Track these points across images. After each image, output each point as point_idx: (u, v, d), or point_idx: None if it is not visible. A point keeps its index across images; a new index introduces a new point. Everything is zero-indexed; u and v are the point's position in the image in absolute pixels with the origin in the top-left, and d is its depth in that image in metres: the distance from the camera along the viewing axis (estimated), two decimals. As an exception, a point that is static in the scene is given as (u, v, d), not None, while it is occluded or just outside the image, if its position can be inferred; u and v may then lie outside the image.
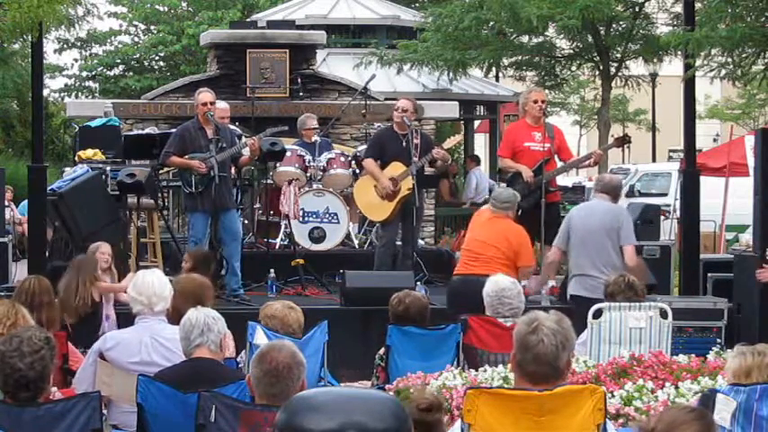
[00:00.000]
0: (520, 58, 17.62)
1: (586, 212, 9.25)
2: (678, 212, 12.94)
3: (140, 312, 6.17)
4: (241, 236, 10.80)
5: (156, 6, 31.50)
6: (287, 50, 14.54)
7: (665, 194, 20.29)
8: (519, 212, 10.49)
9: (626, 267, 8.58)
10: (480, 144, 29.15)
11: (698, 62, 11.45)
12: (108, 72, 32.30)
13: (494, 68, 20.09)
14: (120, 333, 6.41)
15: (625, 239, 8.87)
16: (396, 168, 10.78)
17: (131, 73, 31.53)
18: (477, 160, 19.01)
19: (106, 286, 8.77)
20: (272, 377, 4.32)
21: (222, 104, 11.86)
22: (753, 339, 8.32)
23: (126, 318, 7.71)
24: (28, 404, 4.91)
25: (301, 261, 11.29)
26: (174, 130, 11.03)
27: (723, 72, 11.94)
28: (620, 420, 5.35)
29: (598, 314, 7.22)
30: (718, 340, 9.28)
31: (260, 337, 6.52)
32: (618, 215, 9.00)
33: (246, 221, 12.41)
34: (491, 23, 16.12)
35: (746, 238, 12.63)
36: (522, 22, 14.67)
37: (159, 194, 11.79)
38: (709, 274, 11.03)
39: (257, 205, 12.65)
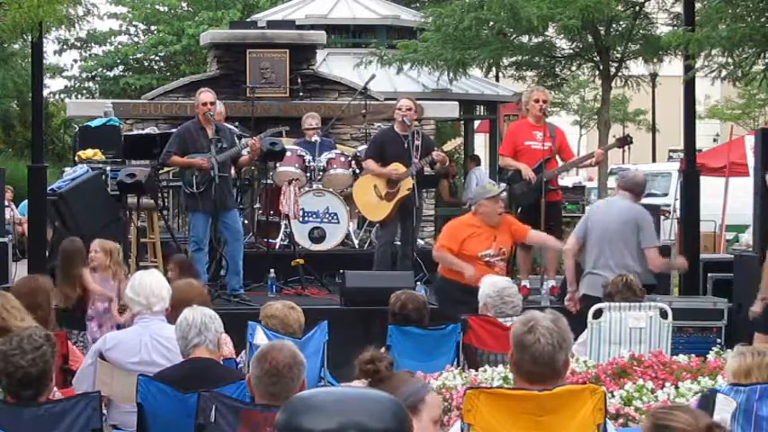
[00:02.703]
0: (520, 58, 17.60)
1: (606, 209, 8.95)
2: (678, 212, 12.94)
3: (139, 313, 6.18)
4: (242, 235, 10.81)
5: (156, 6, 31.49)
6: (287, 50, 14.54)
7: (666, 194, 20.29)
8: (519, 211, 10.52)
9: (646, 269, 8.48)
10: (480, 144, 29.13)
11: (698, 63, 11.45)
12: (108, 72, 32.30)
13: (494, 68, 20.07)
14: (119, 333, 6.42)
15: (647, 241, 8.56)
16: (397, 168, 10.78)
17: (131, 73, 31.52)
18: (476, 160, 19.01)
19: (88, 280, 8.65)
20: (272, 376, 4.32)
21: (217, 107, 11.66)
22: (753, 339, 8.32)
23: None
24: (28, 404, 4.91)
25: (301, 261, 11.30)
26: (174, 130, 11.04)
27: (723, 72, 11.93)
28: (620, 420, 5.35)
29: (598, 314, 7.22)
30: (719, 340, 9.27)
31: (260, 337, 6.52)
32: (637, 216, 8.64)
33: (246, 221, 12.41)
34: (491, 23, 16.10)
35: (746, 238, 12.64)
36: (522, 22, 14.65)
37: (159, 194, 11.79)
38: (709, 274, 11.03)
39: (257, 205, 12.66)
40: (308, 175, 12.19)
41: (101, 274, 8.74)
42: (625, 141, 11.02)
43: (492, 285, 7.32)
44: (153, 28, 32.27)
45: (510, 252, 9.47)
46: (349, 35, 20.34)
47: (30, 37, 10.58)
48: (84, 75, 32.88)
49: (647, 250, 8.55)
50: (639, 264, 8.56)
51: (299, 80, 14.48)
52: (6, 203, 15.16)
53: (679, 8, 15.24)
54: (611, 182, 20.64)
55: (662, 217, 13.87)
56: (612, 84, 16.82)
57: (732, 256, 11.30)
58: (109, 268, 8.76)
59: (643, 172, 23.92)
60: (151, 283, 6.18)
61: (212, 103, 10.39)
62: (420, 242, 12.72)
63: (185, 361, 5.49)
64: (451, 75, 17.29)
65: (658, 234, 12.30)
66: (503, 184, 10.37)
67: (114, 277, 8.72)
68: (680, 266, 9.66)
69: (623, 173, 9.90)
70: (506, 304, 7.20)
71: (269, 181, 12.34)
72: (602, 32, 15.92)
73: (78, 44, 32.51)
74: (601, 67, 16.30)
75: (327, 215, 12.08)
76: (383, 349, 7.42)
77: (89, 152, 11.67)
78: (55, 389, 5.80)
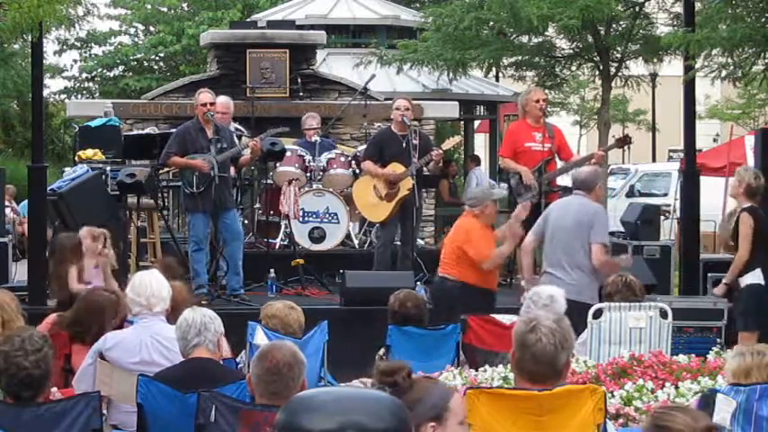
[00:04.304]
0: (520, 58, 17.58)
1: (561, 209, 8.84)
2: (678, 212, 12.93)
3: (140, 313, 6.16)
4: (242, 235, 10.81)
5: (157, 7, 31.49)
6: (287, 50, 14.54)
7: (666, 194, 20.28)
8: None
9: (594, 266, 8.36)
10: (480, 144, 29.13)
11: (698, 63, 11.44)
12: (108, 73, 32.30)
13: (494, 68, 20.05)
14: (119, 333, 6.41)
15: (594, 236, 8.43)
16: (395, 169, 10.79)
17: (131, 73, 31.51)
18: (477, 160, 19.01)
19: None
20: (273, 375, 4.32)
21: (222, 99, 11.47)
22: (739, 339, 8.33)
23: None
24: (28, 404, 4.91)
25: (301, 261, 11.30)
26: (174, 130, 11.04)
27: (723, 73, 11.93)
28: (620, 420, 5.35)
29: (598, 314, 7.21)
30: (719, 340, 9.26)
31: (260, 337, 6.53)
32: (589, 214, 8.53)
33: (246, 221, 12.41)
34: (491, 23, 16.08)
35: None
36: (522, 22, 14.63)
37: (159, 194, 11.79)
38: (709, 274, 11.02)
39: (257, 205, 12.66)
40: (308, 175, 12.19)
41: (90, 259, 8.69)
42: (624, 141, 11.04)
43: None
44: (153, 28, 32.27)
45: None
46: (349, 35, 20.35)
47: (30, 37, 10.58)
48: (83, 75, 32.87)
49: (592, 245, 8.43)
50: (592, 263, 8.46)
51: (299, 80, 14.48)
52: (7, 203, 15.16)
53: (679, 8, 15.23)
54: (611, 182, 20.60)
55: (662, 217, 13.86)
56: (612, 84, 16.80)
57: (732, 256, 11.28)
58: (97, 254, 8.71)
59: (643, 172, 23.88)
60: (152, 284, 6.16)
61: (212, 104, 10.38)
62: (420, 242, 12.72)
63: (185, 361, 5.49)
64: (451, 75, 17.29)
65: (658, 234, 12.34)
66: (503, 185, 10.36)
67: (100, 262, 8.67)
68: (625, 263, 9.38)
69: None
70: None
71: (269, 181, 12.34)
72: (602, 32, 15.91)
73: (78, 44, 32.51)
74: (601, 67, 16.29)
75: (327, 215, 12.08)
76: (382, 350, 7.46)
77: (89, 152, 11.67)
78: (55, 389, 5.81)
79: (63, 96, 32.31)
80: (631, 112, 39.17)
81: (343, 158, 12.32)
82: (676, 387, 5.65)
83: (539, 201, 10.27)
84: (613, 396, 5.50)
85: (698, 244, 11.53)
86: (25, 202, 14.14)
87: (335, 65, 18.58)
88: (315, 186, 12.14)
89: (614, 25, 16.14)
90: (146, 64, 32.34)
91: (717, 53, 11.43)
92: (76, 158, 11.89)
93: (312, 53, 15.22)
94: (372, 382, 3.61)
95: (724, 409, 4.95)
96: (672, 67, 18.73)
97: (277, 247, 12.13)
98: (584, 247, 8.46)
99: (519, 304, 7.51)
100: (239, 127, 12.05)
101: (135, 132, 13.20)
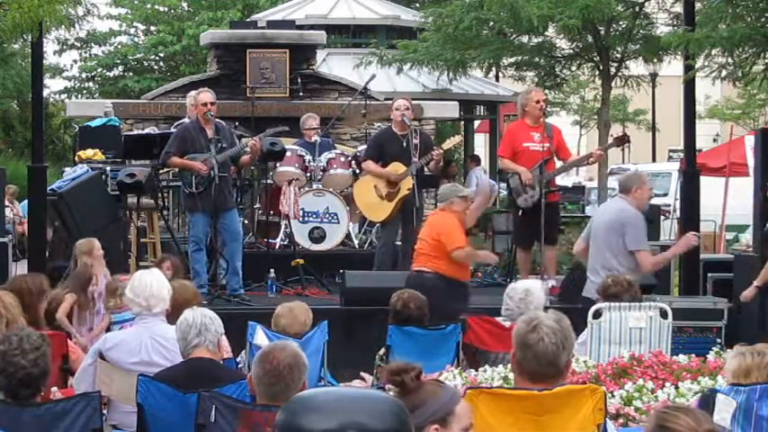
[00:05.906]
0: (520, 58, 17.59)
1: (600, 212, 9.00)
2: (678, 212, 12.93)
3: (139, 314, 6.15)
4: (242, 236, 10.80)
5: (156, 7, 31.48)
6: (287, 50, 14.55)
7: (666, 194, 20.29)
8: (519, 212, 10.54)
9: (633, 270, 8.32)
10: (480, 144, 29.15)
11: (698, 63, 11.45)
12: (107, 73, 32.28)
13: (494, 68, 20.06)
14: (119, 333, 6.41)
15: (632, 244, 8.40)
16: (396, 169, 10.79)
17: (131, 73, 31.49)
18: (477, 160, 19.03)
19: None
20: (274, 376, 4.32)
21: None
22: (753, 339, 8.31)
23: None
24: (28, 404, 4.91)
25: (301, 261, 11.30)
26: (174, 130, 11.03)
27: (723, 72, 11.94)
28: (620, 420, 5.35)
29: (598, 314, 7.22)
30: (719, 340, 9.26)
31: (260, 338, 6.53)
32: (621, 218, 8.49)
33: (246, 221, 12.41)
34: (491, 23, 16.08)
35: (746, 238, 12.64)
36: (522, 22, 14.63)
37: (159, 194, 11.80)
38: (709, 274, 11.03)
39: (257, 205, 12.66)
40: (308, 175, 12.19)
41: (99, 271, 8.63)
42: (623, 140, 11.03)
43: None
44: (153, 28, 32.25)
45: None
46: (349, 35, 20.36)
47: (30, 37, 10.58)
48: (83, 75, 32.85)
49: (636, 254, 8.41)
50: (625, 265, 8.39)
51: (299, 80, 14.48)
52: (8, 203, 15.16)
53: (679, 8, 15.23)
54: (612, 182, 20.58)
55: (662, 217, 13.87)
56: (612, 84, 16.80)
57: (732, 256, 11.30)
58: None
59: (643, 172, 23.87)
60: (151, 284, 6.14)
61: (212, 104, 10.38)
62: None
63: (185, 361, 5.49)
64: (451, 75, 17.30)
65: (658, 234, 12.34)
66: (503, 185, 10.36)
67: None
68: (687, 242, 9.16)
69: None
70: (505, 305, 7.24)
71: (269, 181, 12.35)
72: (602, 32, 15.91)
73: (78, 44, 32.48)
74: (601, 67, 16.29)
75: (327, 215, 12.08)
76: (383, 350, 7.46)
77: (89, 152, 11.68)
78: (55, 389, 5.81)
79: (63, 96, 32.28)
80: (631, 112, 39.16)
81: (343, 158, 12.32)
82: (676, 387, 5.65)
83: (538, 201, 10.29)
84: (613, 396, 5.50)
85: (698, 244, 11.53)
86: (25, 201, 14.14)
87: (335, 65, 18.58)
88: (315, 186, 12.14)
89: (614, 25, 16.14)
90: (146, 64, 32.32)
91: (717, 53, 11.44)
92: (76, 158, 11.90)
93: (312, 53, 15.22)
94: (373, 382, 3.61)
95: (724, 410, 4.94)
96: (672, 67, 18.73)
97: (277, 247, 12.14)
98: (612, 250, 8.44)
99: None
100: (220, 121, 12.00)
101: (135, 132, 13.20)
